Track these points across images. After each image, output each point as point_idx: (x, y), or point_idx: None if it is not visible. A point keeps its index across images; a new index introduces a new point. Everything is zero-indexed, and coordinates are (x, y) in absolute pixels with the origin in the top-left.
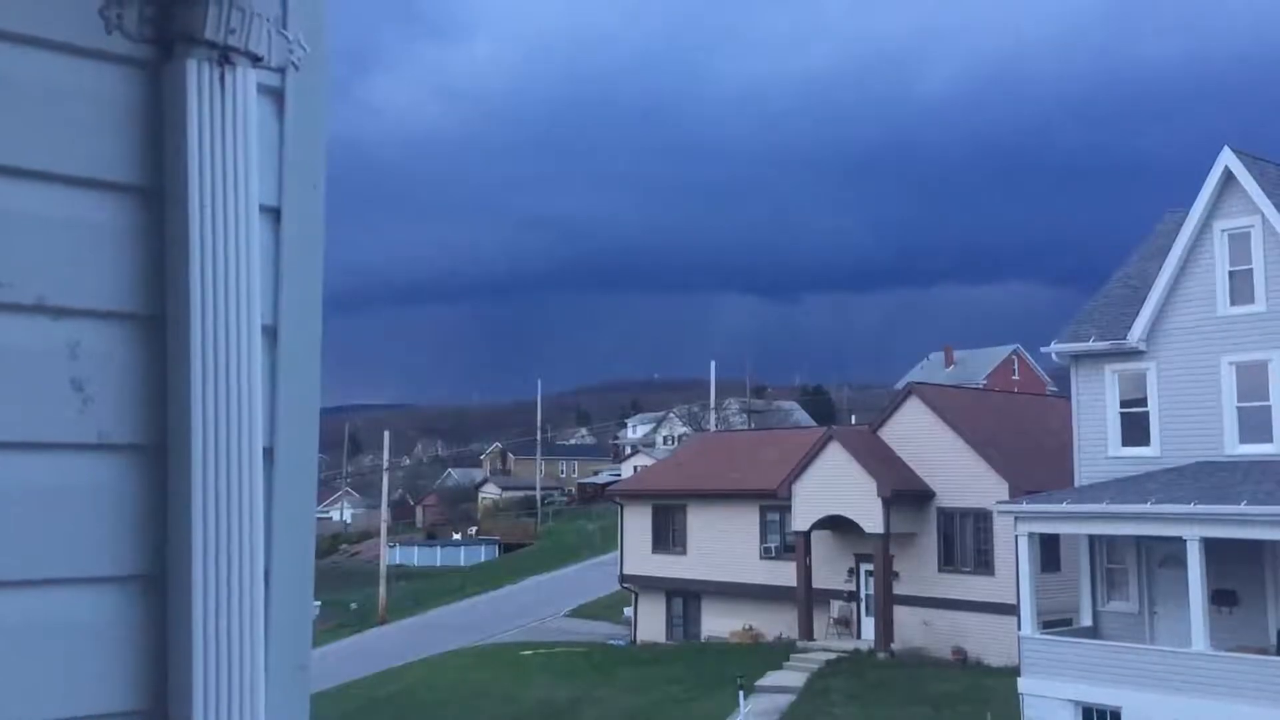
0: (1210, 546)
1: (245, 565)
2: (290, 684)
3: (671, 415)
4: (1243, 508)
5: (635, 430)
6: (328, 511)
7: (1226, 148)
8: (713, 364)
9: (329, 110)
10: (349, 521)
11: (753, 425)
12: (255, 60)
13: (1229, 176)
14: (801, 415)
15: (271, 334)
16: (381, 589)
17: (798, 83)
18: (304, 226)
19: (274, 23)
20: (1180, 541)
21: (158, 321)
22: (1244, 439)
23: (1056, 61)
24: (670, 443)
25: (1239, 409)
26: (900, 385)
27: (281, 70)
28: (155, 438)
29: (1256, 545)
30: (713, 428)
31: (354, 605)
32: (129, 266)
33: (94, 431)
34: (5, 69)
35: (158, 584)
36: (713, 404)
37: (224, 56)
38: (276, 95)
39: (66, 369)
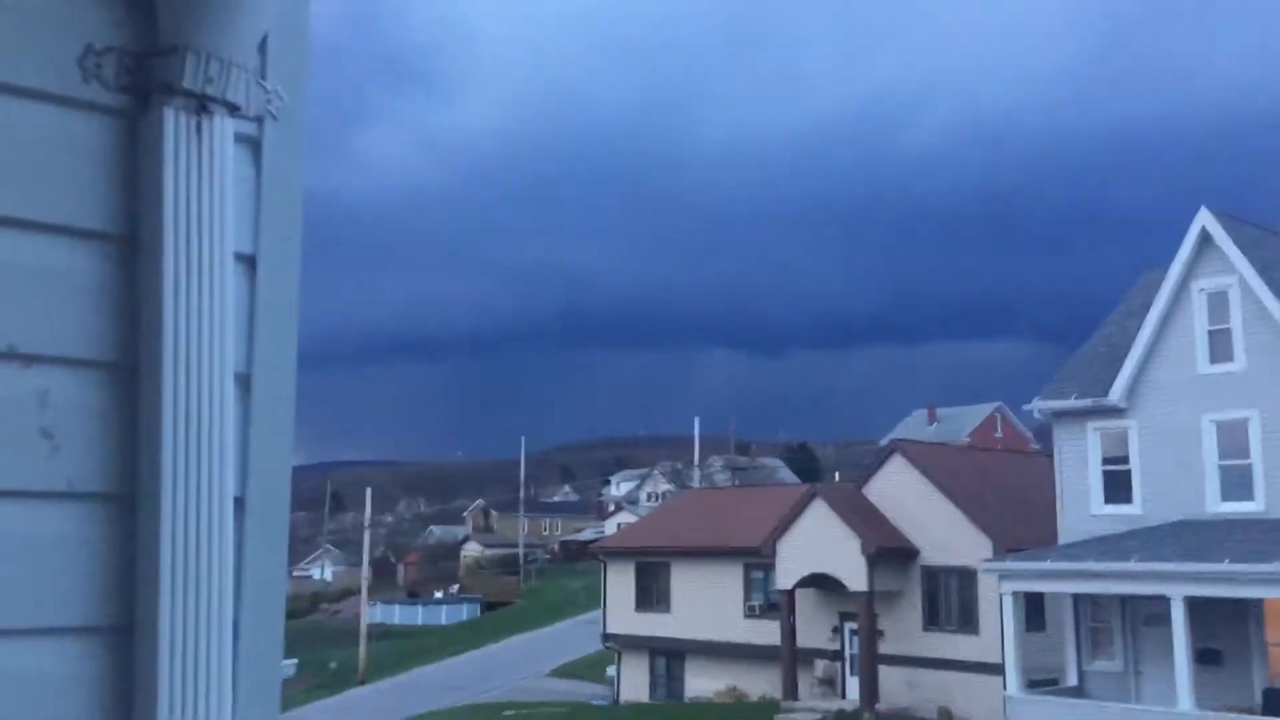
0: (1194, 605)
1: (214, 616)
2: None
3: (655, 472)
4: (1226, 566)
5: (619, 487)
6: (308, 570)
7: (1204, 208)
8: (696, 421)
9: (306, 160)
10: (330, 580)
11: (737, 482)
12: (233, 110)
13: (1206, 237)
14: (786, 473)
15: (245, 383)
16: (362, 648)
17: (783, 138)
18: (280, 275)
19: (252, 73)
20: (1164, 600)
21: (130, 370)
22: (1226, 497)
23: (1042, 118)
24: (654, 500)
25: (1220, 467)
26: (884, 442)
27: (259, 120)
28: (125, 487)
29: (1240, 604)
30: (697, 485)
31: (333, 665)
32: (102, 314)
33: (63, 480)
34: None
35: (125, 635)
36: (697, 461)
37: (201, 106)
38: (254, 144)
39: (36, 417)
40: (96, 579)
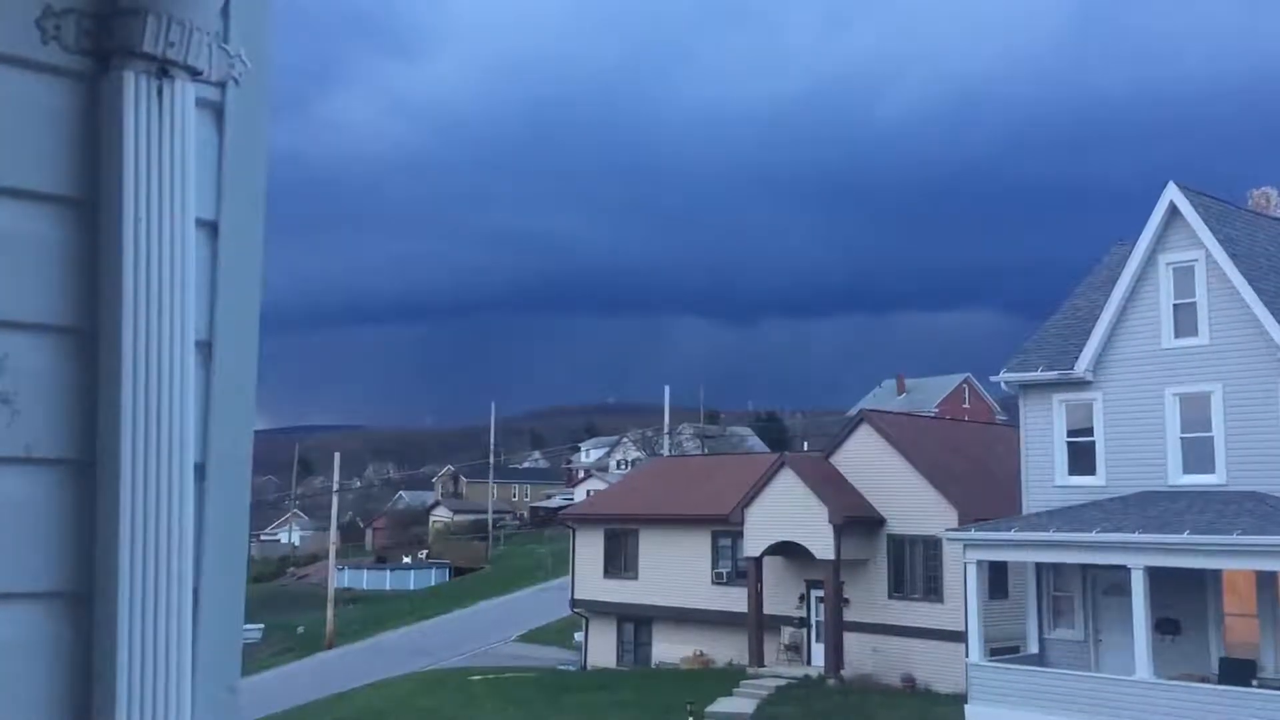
0: (1154, 575)
1: (174, 584)
2: (219, 707)
3: (625, 440)
4: (1185, 537)
5: (589, 454)
6: (276, 534)
7: (1171, 183)
8: (667, 389)
9: (270, 125)
10: (297, 544)
11: (706, 451)
12: (194, 74)
13: (1174, 211)
14: (755, 441)
15: (206, 349)
16: (329, 613)
17: (758, 107)
18: (242, 241)
19: (215, 37)
20: (1125, 570)
21: (89, 335)
22: (1187, 469)
23: (1018, 90)
24: (624, 467)
25: (1182, 440)
26: (853, 412)
27: (222, 85)
28: (84, 453)
29: (1199, 574)
30: (666, 453)
31: (301, 629)
32: (61, 279)
33: (21, 445)
34: None
35: (84, 602)
36: (666, 429)
37: (162, 69)
38: (216, 109)
39: None
40: (55, 545)
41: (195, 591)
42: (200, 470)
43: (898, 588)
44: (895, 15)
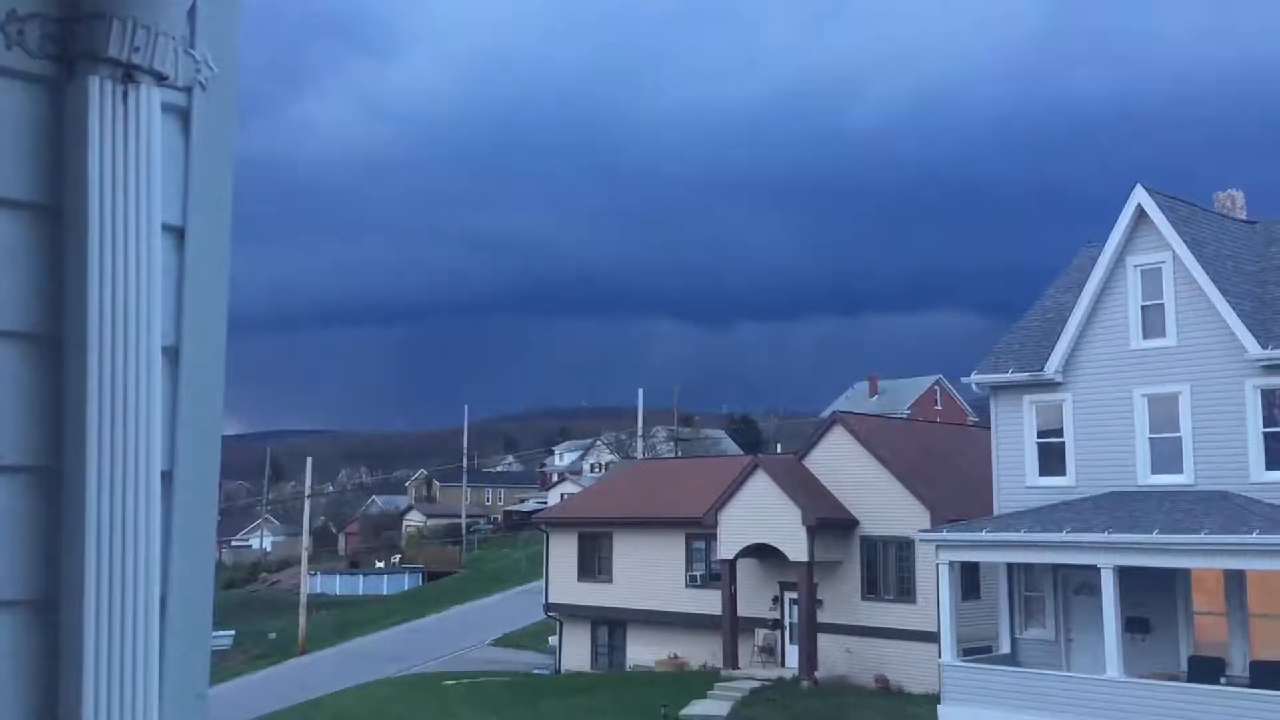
0: (1124, 575)
1: (140, 591)
2: (188, 715)
3: (599, 443)
4: (1154, 536)
5: (562, 458)
6: (248, 540)
7: (1139, 186)
8: (640, 392)
9: (237, 130)
10: (269, 550)
11: (680, 453)
12: (160, 79)
13: (1141, 214)
14: (729, 444)
15: (173, 355)
16: (302, 618)
17: (733, 109)
18: (209, 246)
19: (181, 42)
20: (1095, 570)
21: (55, 341)
22: (1156, 469)
23: (991, 92)
24: (598, 470)
25: (1151, 440)
26: (825, 414)
27: (188, 89)
28: (50, 460)
29: (1168, 574)
30: (640, 456)
31: (273, 635)
32: (25, 285)
33: None
34: None
35: (50, 610)
36: (640, 432)
37: (127, 74)
38: (182, 114)
39: None
40: (20, 553)
41: (162, 599)
42: (167, 477)
43: (871, 589)
44: (869, 18)
